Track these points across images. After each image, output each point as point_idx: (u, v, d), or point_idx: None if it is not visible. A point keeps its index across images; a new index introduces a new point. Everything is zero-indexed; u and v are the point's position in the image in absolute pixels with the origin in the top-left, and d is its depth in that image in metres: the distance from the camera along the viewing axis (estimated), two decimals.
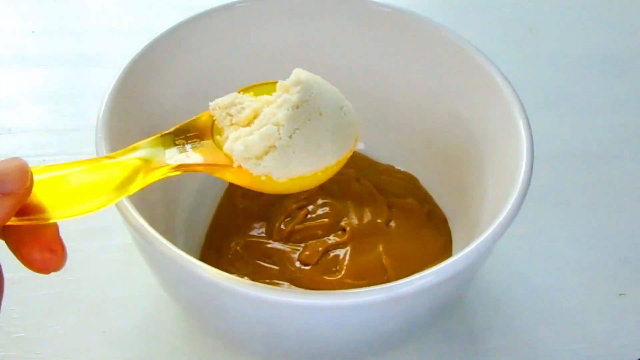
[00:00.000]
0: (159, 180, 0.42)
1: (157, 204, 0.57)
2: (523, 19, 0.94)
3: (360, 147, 0.69)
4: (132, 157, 0.42)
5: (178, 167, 0.43)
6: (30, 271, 0.60)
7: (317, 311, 0.42)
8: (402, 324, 0.48)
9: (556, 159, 0.73)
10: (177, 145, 0.44)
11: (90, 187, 0.40)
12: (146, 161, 0.42)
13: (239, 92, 0.47)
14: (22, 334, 0.57)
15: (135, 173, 0.41)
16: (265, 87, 0.47)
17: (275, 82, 0.45)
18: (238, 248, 0.59)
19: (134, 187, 0.41)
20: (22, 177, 0.36)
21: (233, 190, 0.64)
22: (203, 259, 0.59)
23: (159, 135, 0.44)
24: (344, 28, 0.64)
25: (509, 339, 0.58)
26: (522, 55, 0.87)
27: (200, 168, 0.44)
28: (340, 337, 0.47)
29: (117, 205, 0.44)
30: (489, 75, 0.56)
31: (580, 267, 0.64)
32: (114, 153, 0.42)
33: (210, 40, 0.60)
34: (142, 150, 0.43)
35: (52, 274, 0.58)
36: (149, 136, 0.56)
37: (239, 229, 0.61)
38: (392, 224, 0.61)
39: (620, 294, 0.62)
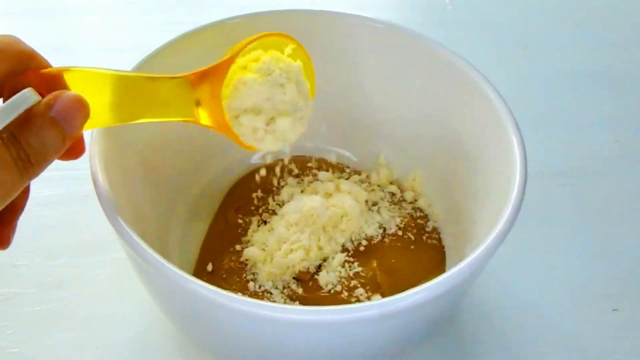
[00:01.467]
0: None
1: (151, 220, 0.57)
2: (517, 35, 0.94)
3: (353, 161, 0.69)
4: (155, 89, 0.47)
5: (190, 120, 0.49)
6: (24, 287, 0.60)
7: (311, 327, 0.43)
8: (395, 339, 0.48)
9: (549, 175, 0.73)
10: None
11: (111, 103, 0.45)
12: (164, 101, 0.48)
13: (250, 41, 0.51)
14: (17, 350, 0.57)
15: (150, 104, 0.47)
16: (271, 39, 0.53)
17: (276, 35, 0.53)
18: (231, 264, 0.59)
19: (148, 119, 0.47)
20: (84, 117, 0.41)
21: (227, 207, 0.65)
22: (196, 274, 0.59)
23: (181, 75, 0.48)
24: (338, 44, 0.64)
25: (503, 355, 0.58)
26: (516, 72, 0.88)
27: (207, 127, 0.50)
28: (334, 353, 0.47)
29: (111, 221, 0.45)
30: (483, 91, 0.56)
31: (574, 283, 0.64)
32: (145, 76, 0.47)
33: (203, 56, 0.60)
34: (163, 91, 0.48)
35: (45, 289, 0.58)
36: (142, 148, 0.56)
37: (232, 245, 0.61)
38: (386, 240, 0.61)
39: (614, 310, 0.62)
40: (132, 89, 0.46)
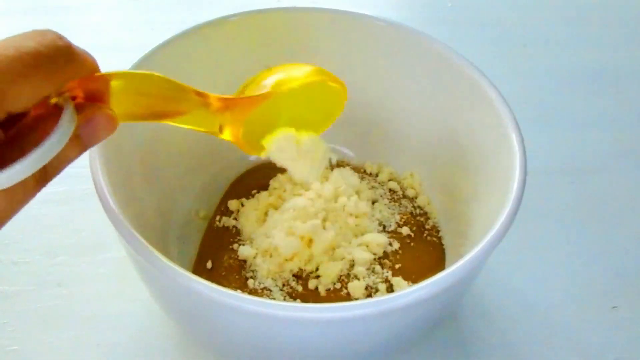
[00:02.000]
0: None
1: (151, 218, 0.57)
2: (517, 34, 0.94)
3: (352, 158, 0.69)
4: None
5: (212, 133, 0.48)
6: (24, 285, 0.60)
7: (309, 324, 0.43)
8: (393, 337, 0.48)
9: (549, 173, 0.73)
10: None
11: (146, 104, 0.44)
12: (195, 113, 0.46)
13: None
14: (16, 347, 0.57)
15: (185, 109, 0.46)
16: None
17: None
18: (231, 262, 0.59)
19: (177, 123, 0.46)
20: (109, 134, 0.41)
21: (226, 204, 0.65)
22: (196, 272, 0.59)
23: (206, 96, 0.46)
24: (338, 42, 0.64)
25: (503, 353, 0.58)
26: (515, 70, 0.88)
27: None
28: (331, 350, 0.47)
29: (111, 219, 0.45)
30: (483, 89, 0.56)
31: (573, 280, 0.64)
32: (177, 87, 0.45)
33: (204, 54, 0.61)
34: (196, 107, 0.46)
35: (45, 287, 0.58)
36: (142, 146, 0.56)
37: (231, 243, 0.61)
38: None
39: (613, 307, 0.62)
40: (166, 94, 0.45)
